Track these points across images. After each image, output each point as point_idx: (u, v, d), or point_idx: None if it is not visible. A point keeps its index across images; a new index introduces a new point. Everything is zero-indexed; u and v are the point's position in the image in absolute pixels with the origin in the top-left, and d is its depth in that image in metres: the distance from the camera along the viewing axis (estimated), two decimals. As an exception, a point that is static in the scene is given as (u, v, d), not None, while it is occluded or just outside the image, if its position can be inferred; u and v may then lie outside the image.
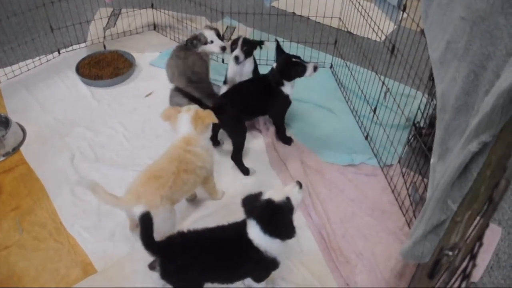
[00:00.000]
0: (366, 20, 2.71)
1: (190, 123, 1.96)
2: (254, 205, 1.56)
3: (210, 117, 2.00)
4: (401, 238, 2.05)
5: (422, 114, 2.19)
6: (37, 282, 1.88)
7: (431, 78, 2.08)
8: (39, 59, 3.26)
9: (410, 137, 2.35)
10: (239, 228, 1.61)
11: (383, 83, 2.44)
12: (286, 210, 1.55)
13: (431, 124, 2.21)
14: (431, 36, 1.84)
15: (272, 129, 2.67)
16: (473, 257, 0.70)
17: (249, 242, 1.57)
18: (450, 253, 0.74)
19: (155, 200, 1.82)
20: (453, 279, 0.77)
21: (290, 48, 3.27)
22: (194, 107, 2.02)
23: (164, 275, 1.61)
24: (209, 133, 2.06)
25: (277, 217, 1.53)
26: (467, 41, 1.52)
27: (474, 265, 0.69)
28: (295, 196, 1.58)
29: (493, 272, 1.96)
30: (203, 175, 2.05)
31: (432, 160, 1.68)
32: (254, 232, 1.56)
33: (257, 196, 1.58)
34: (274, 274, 1.90)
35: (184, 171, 1.92)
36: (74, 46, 3.48)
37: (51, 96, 3.00)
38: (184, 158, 1.94)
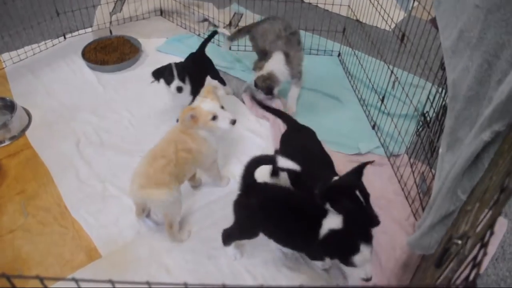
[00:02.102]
0: (376, 8, 2.67)
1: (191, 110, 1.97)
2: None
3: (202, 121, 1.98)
4: (406, 229, 2.03)
5: (432, 103, 2.16)
6: (42, 266, 1.89)
7: (442, 67, 2.05)
8: (45, 43, 3.25)
9: (418, 127, 2.33)
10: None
11: (392, 72, 2.41)
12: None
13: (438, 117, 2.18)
14: (443, 24, 1.80)
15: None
16: (484, 245, 0.69)
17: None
18: (459, 241, 0.72)
19: (164, 178, 1.83)
20: (462, 268, 0.75)
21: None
22: (213, 105, 1.98)
23: (237, 204, 1.74)
24: (211, 130, 2.02)
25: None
26: (481, 30, 1.49)
27: (485, 254, 0.67)
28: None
29: (498, 264, 1.94)
30: (199, 160, 2.03)
31: (440, 150, 1.66)
32: (330, 224, 1.59)
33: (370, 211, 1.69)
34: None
35: (182, 150, 1.93)
36: (80, 31, 3.45)
37: (56, 80, 2.99)
38: (179, 138, 1.95)
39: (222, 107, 2.00)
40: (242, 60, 3.19)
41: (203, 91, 2.08)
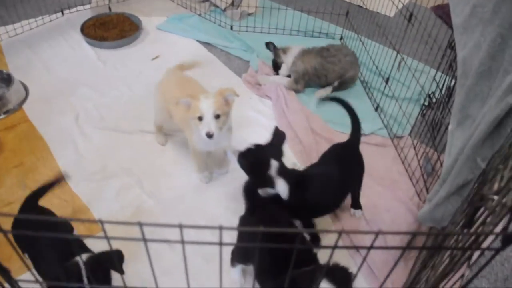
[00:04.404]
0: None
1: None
2: None
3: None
4: (411, 208, 2.02)
5: (437, 84, 2.15)
6: (41, 238, 1.85)
7: (450, 46, 2.03)
8: (42, 18, 3.16)
9: (423, 109, 2.32)
10: None
11: (398, 52, 2.39)
12: None
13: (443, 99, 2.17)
14: (455, 1, 1.78)
15: (282, 96, 2.62)
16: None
17: None
18: (496, 197, 0.71)
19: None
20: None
21: (301, 18, 3.21)
22: (209, 107, 1.75)
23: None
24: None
25: None
26: (495, 4, 1.48)
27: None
28: None
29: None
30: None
31: (450, 127, 1.65)
32: None
33: None
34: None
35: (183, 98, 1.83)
36: (78, 7, 3.37)
37: (55, 56, 2.92)
38: (194, 98, 1.80)
39: (218, 116, 1.77)
40: (244, 40, 3.14)
41: (218, 89, 1.84)
